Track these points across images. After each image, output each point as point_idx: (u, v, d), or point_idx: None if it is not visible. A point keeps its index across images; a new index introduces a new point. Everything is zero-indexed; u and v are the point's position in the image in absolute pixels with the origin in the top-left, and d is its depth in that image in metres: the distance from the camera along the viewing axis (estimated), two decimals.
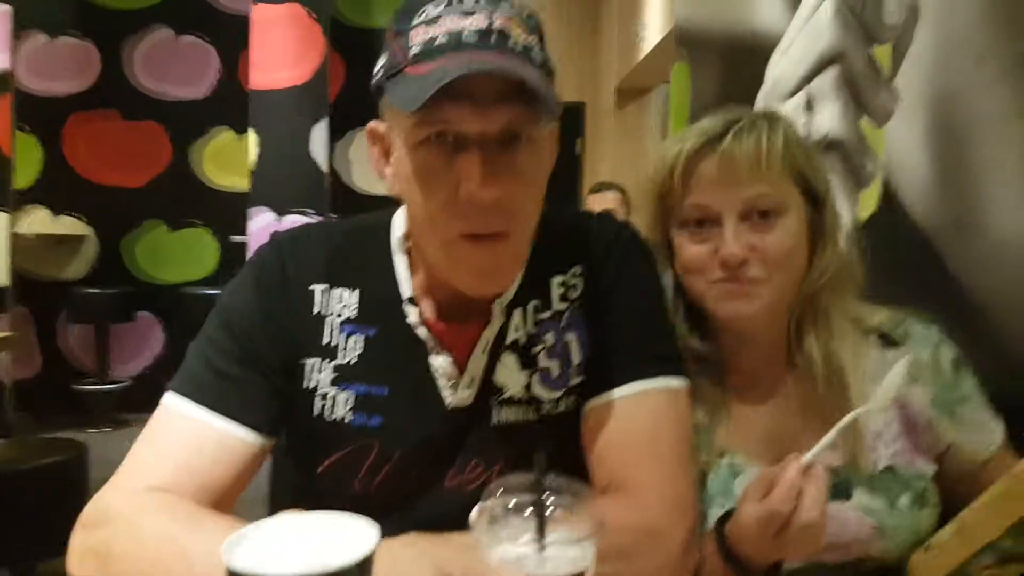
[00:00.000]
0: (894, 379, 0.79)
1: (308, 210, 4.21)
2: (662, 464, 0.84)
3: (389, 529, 0.75)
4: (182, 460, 0.83)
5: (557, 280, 0.93)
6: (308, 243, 0.94)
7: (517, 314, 0.91)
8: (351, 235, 0.95)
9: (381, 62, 0.83)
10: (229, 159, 5.21)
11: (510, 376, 0.90)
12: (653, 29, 4.32)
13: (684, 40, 3.64)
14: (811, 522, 0.74)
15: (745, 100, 2.83)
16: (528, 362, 0.91)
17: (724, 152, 0.93)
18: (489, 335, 0.89)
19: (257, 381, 0.88)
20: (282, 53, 4.22)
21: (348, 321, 0.91)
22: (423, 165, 0.79)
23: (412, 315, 0.89)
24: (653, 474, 0.83)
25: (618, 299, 0.92)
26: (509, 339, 0.91)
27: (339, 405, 0.89)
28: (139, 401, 5.09)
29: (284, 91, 4.20)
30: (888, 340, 0.98)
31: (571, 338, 0.92)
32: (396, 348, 0.90)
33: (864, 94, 2.01)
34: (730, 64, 3.08)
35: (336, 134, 5.13)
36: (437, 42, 0.77)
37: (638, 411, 0.87)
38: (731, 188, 0.93)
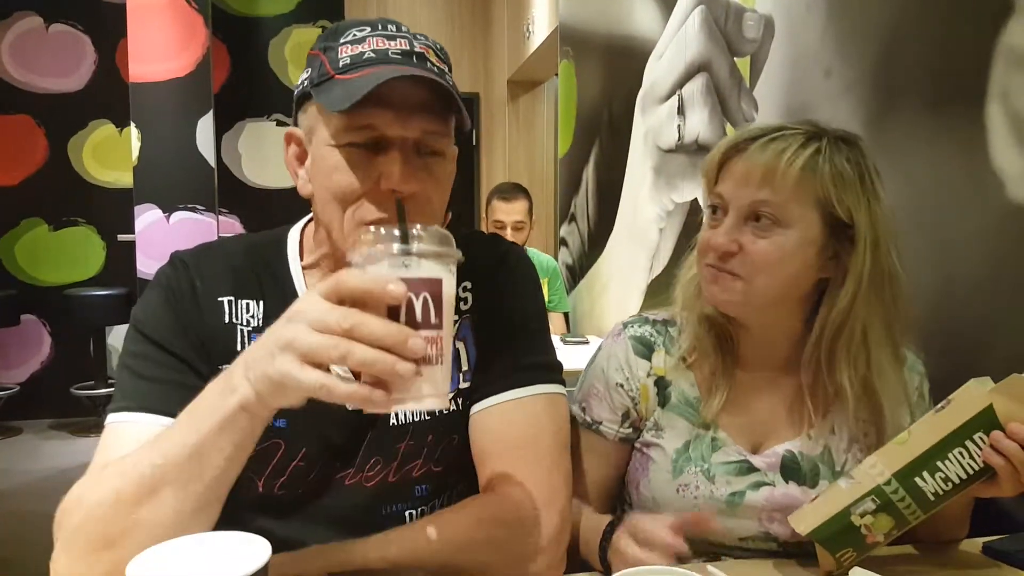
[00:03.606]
0: None
1: (197, 206, 4.13)
2: (538, 463, 0.94)
3: (294, 526, 0.82)
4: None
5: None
6: (210, 258, 0.97)
7: None
8: (249, 250, 1.00)
9: (306, 75, 0.91)
10: (111, 154, 5.00)
11: None
12: (541, 24, 4.41)
13: (568, 38, 3.75)
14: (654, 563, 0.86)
15: (626, 99, 2.96)
16: None
17: (748, 155, 1.00)
18: None
19: (188, 380, 0.89)
20: (162, 44, 4.09)
21: (256, 330, 0.94)
22: (348, 162, 0.86)
23: None
24: (528, 472, 0.93)
25: (503, 314, 1.01)
26: None
27: None
28: (28, 408, 4.91)
29: (166, 83, 4.08)
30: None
31: (460, 346, 1.00)
32: None
33: (728, 101, 2.17)
34: (612, 64, 3.21)
35: (223, 126, 5.02)
36: (365, 56, 0.86)
37: (518, 415, 0.95)
38: (742, 188, 1.00)
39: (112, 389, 0.92)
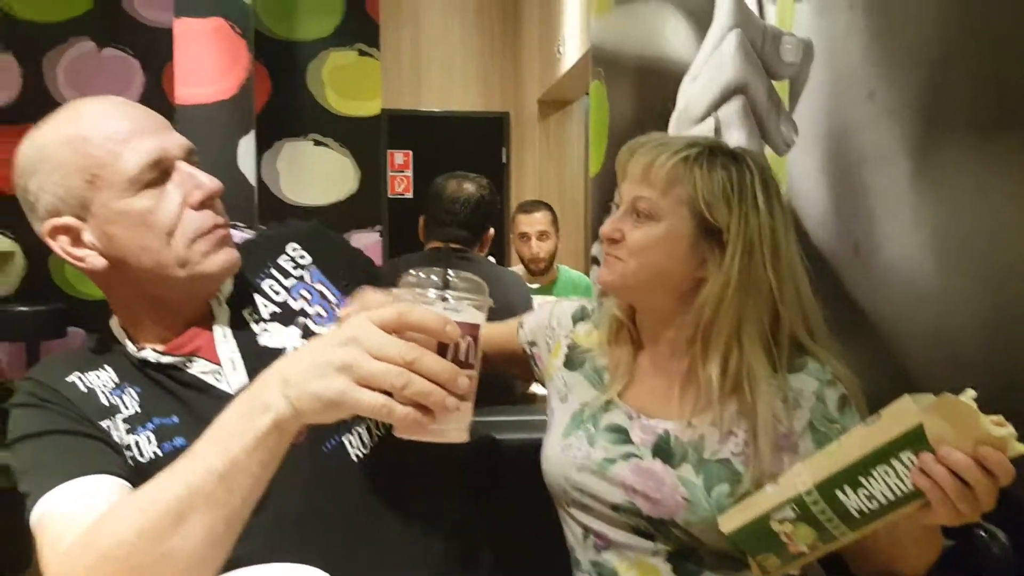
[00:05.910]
0: None
1: (238, 224, 4.20)
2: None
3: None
4: (89, 519, 0.79)
5: (287, 254, 1.11)
6: (49, 362, 1.04)
7: (258, 296, 1.05)
8: (83, 343, 1.07)
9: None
10: None
11: (281, 336, 1.03)
12: (572, 45, 4.48)
13: (600, 60, 3.80)
14: None
15: (659, 120, 3.00)
16: (290, 318, 1.04)
17: (636, 156, 1.13)
18: (222, 323, 1.01)
19: (92, 443, 0.93)
20: (207, 67, 4.18)
21: (115, 387, 0.99)
22: (155, 199, 0.94)
23: (151, 356, 0.98)
24: None
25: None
26: (265, 314, 1.04)
27: (144, 445, 0.95)
28: None
29: (211, 105, 4.19)
30: (790, 365, 1.10)
31: (322, 287, 1.08)
32: (162, 388, 0.99)
33: (766, 125, 2.19)
34: (643, 85, 3.24)
35: (262, 146, 5.12)
36: None
37: None
38: (629, 185, 1.14)
39: None
